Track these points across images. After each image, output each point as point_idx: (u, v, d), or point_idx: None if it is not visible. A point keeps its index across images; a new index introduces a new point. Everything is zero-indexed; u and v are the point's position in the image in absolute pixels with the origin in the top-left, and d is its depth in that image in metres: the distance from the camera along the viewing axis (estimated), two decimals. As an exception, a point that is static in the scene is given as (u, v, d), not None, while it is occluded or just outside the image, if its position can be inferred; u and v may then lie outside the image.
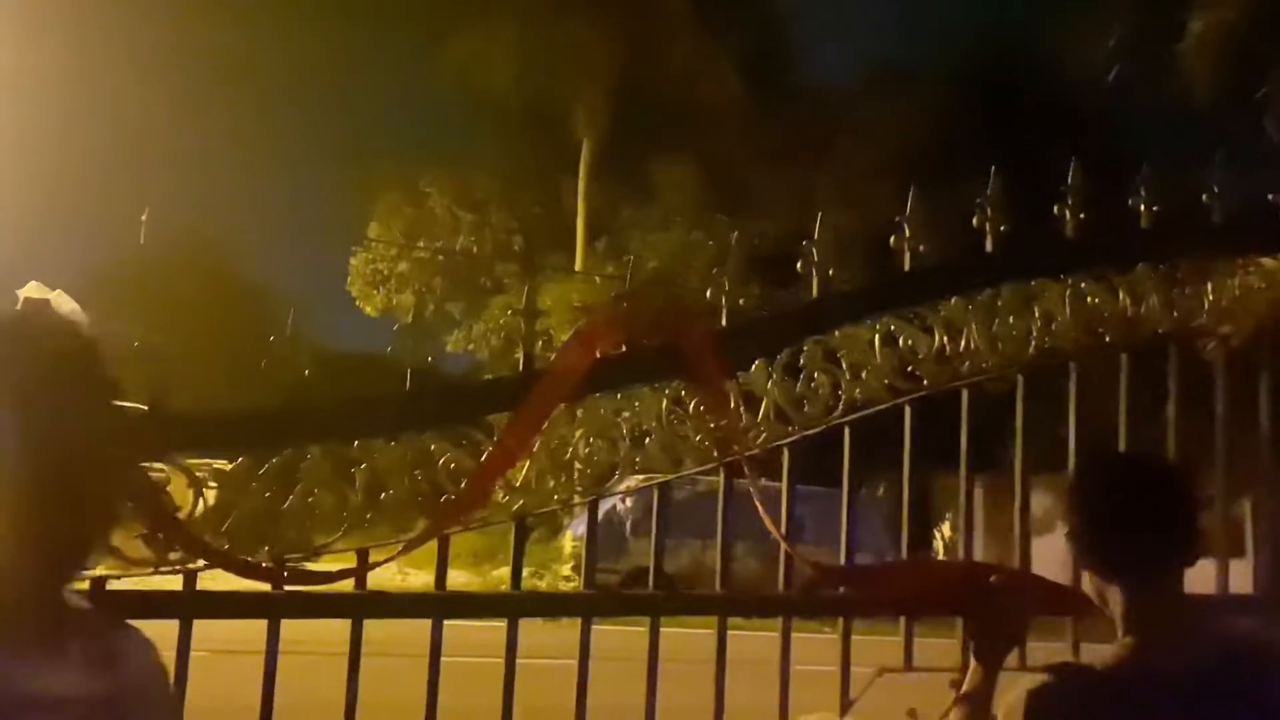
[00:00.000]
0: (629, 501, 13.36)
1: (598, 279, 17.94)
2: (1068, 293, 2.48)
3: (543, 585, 14.29)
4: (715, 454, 2.14)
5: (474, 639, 2.18)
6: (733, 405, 2.15)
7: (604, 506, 2.36)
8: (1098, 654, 1.73)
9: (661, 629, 2.17)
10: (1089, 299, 2.50)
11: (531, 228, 23.30)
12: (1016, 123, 17.70)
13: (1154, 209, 2.56)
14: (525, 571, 8.33)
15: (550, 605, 3.36)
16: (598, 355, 2.08)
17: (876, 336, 2.32)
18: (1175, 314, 2.54)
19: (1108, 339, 2.50)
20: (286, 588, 1.87)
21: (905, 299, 2.34)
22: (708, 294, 2.26)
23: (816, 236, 2.36)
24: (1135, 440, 2.52)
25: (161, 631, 1.50)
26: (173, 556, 1.76)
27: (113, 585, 1.69)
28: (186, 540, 1.74)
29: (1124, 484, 1.76)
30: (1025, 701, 1.63)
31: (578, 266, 20.35)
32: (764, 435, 2.17)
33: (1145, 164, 2.68)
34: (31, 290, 1.77)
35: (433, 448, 1.89)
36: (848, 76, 35.00)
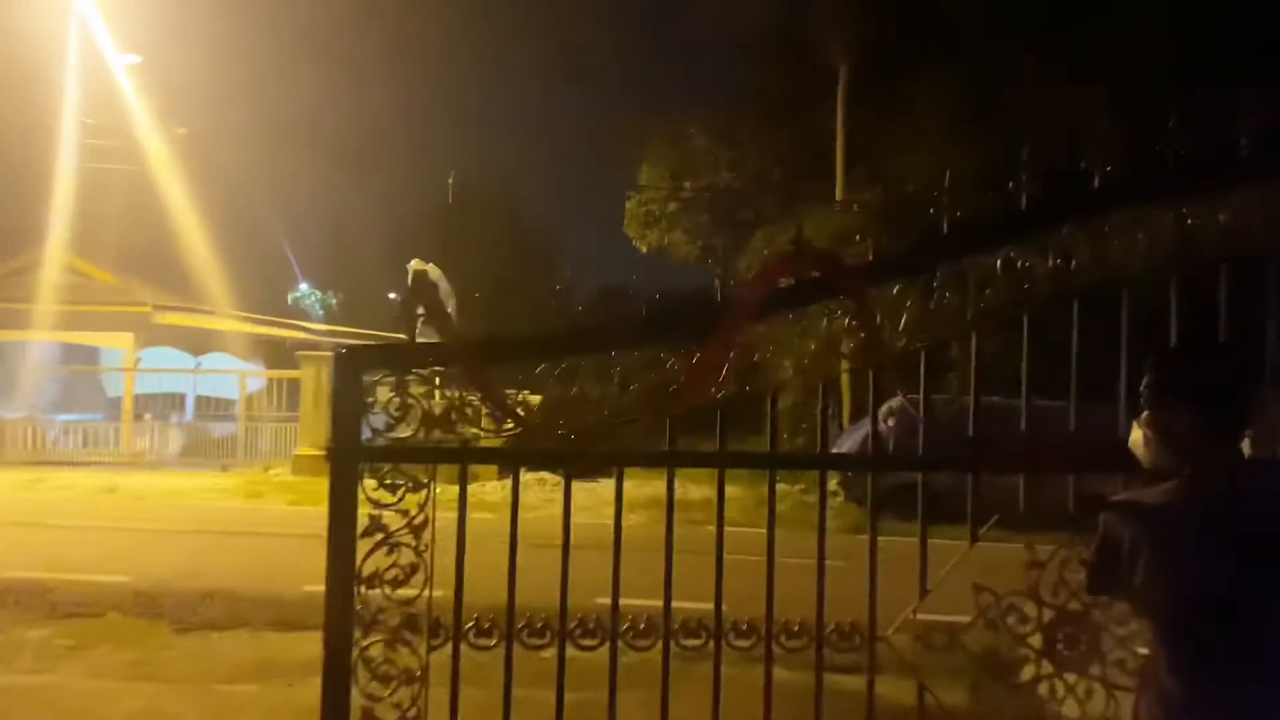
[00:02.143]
0: (890, 422, 13.90)
1: (855, 207, 18.27)
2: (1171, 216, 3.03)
3: (811, 500, 15.23)
4: (864, 358, 2.95)
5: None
6: (877, 320, 2.94)
7: (865, 430, 3.20)
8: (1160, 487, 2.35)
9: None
10: (1189, 220, 3.04)
11: (791, 159, 23.79)
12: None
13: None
14: (797, 489, 9.43)
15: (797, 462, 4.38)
16: (778, 285, 2.94)
17: (998, 261, 3.01)
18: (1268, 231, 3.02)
19: (1206, 254, 3.03)
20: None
21: (1022, 230, 3.01)
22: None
23: (946, 184, 3.07)
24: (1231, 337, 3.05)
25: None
26: (506, 428, 2.85)
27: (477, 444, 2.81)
28: (513, 417, 2.82)
29: (1212, 357, 2.36)
30: (1106, 511, 2.26)
31: (838, 195, 20.69)
32: (903, 342, 2.95)
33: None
34: (416, 264, 2.92)
35: (660, 355, 2.85)
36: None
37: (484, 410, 2.90)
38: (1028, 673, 3.01)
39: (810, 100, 22.69)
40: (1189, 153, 3.01)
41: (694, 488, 7.69)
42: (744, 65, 24.79)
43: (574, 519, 3.00)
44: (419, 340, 2.82)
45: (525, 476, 10.14)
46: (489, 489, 12.44)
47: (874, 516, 3.11)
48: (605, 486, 3.20)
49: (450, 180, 41.04)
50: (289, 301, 41.94)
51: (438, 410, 2.84)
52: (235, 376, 23.26)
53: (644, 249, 25.82)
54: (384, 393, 2.85)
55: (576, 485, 3.02)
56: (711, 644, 3.02)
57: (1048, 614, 2.99)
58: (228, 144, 33.62)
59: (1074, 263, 3.02)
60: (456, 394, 2.89)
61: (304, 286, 44.10)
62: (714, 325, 2.86)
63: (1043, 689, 3.00)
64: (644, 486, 9.13)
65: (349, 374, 2.83)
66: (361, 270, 39.19)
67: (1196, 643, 2.09)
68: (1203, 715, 2.08)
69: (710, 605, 3.03)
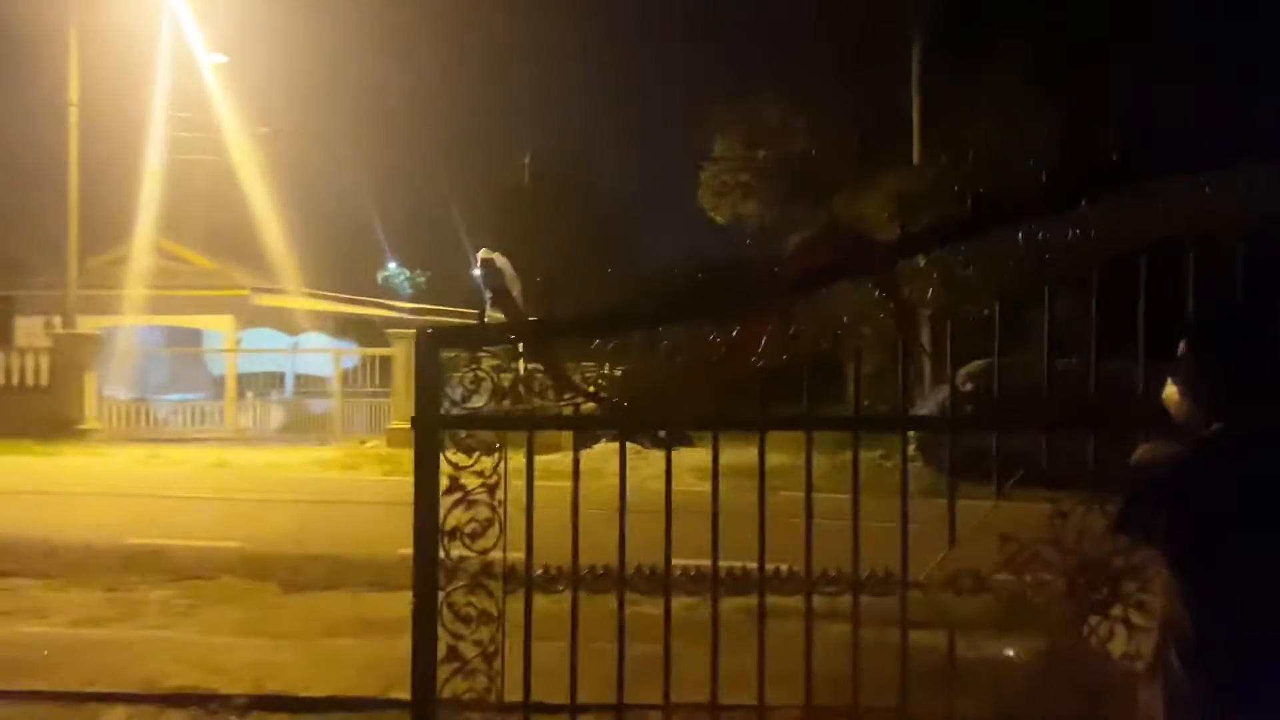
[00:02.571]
0: (969, 386, 13.95)
1: (927, 173, 18.16)
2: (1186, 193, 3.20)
3: (889, 465, 15.38)
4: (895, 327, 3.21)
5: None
6: (903, 292, 3.19)
7: (942, 393, 3.49)
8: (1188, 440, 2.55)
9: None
10: (1204, 189, 3.21)
11: (868, 123, 23.64)
12: None
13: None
14: (876, 454, 9.64)
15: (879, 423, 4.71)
16: (809, 267, 3.21)
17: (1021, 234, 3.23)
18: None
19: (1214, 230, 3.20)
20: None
21: (1039, 209, 3.22)
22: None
23: (971, 160, 3.29)
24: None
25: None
26: (566, 397, 3.20)
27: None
28: (571, 389, 3.17)
29: (1237, 319, 2.55)
30: (1140, 455, 2.47)
31: (915, 159, 20.56)
32: (928, 313, 3.21)
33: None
34: (484, 252, 3.25)
35: (703, 331, 3.16)
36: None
37: (548, 383, 3.25)
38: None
39: (888, 63, 22.50)
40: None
41: (772, 455, 7.95)
42: (820, 29, 24.58)
43: (650, 485, 3.32)
44: (487, 321, 3.18)
45: (606, 446, 10.52)
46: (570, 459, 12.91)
47: (904, 470, 3.38)
48: (683, 454, 3.54)
49: (526, 160, 41.69)
50: (379, 281, 43.14)
51: (506, 383, 3.19)
52: (330, 355, 24.25)
53: (719, 220, 25.97)
54: (460, 368, 3.22)
55: (652, 453, 3.36)
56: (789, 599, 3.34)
57: (1071, 560, 3.22)
58: (313, 137, 34.71)
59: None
60: (523, 368, 3.25)
61: (392, 266, 45.29)
62: (748, 302, 3.16)
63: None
64: (722, 454, 9.38)
65: (428, 351, 3.21)
66: (447, 249, 40.12)
67: (1217, 588, 2.29)
68: (1221, 658, 2.28)
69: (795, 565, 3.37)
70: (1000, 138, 16.37)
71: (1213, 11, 16.80)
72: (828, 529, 3.37)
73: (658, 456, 3.48)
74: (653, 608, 3.45)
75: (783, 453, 3.96)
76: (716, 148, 25.29)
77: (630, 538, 3.32)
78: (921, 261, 3.20)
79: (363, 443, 19.31)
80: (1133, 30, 17.56)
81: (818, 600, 3.43)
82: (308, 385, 26.31)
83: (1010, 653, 3.86)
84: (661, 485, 3.32)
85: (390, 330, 20.96)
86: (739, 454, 4.69)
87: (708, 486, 3.40)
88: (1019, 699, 3.44)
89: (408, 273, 45.41)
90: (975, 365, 6.69)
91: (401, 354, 18.99)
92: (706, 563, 3.38)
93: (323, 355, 25.16)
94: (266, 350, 25.91)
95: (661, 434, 3.62)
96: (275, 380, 26.07)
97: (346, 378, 23.45)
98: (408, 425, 3.27)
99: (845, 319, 3.24)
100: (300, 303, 25.88)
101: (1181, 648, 2.31)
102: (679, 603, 3.48)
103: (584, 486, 3.38)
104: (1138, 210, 3.25)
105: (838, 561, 3.38)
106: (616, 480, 3.33)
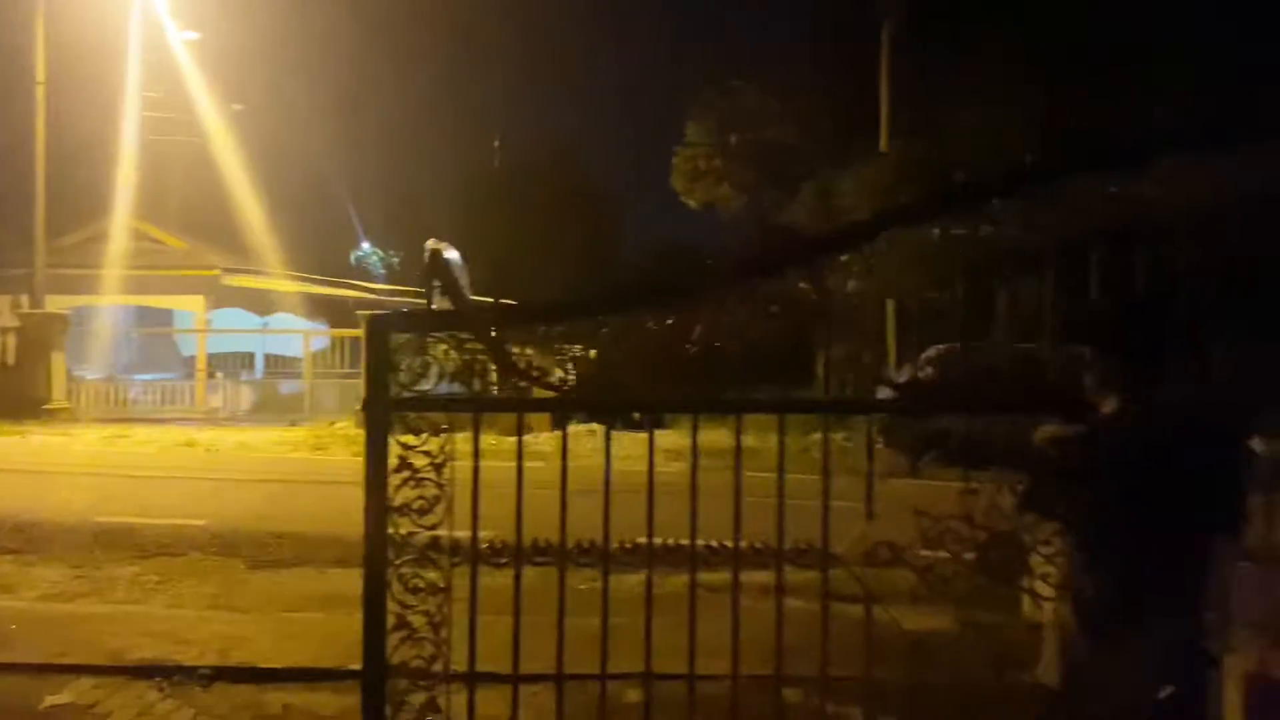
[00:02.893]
0: (929, 370, 14.39)
1: (892, 161, 18.40)
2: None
3: (851, 446, 15.68)
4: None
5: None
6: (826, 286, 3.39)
7: (904, 375, 3.68)
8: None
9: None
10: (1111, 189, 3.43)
11: (839, 110, 23.84)
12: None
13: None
14: (840, 436, 9.74)
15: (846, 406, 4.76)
16: (742, 259, 3.41)
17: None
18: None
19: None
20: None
21: (950, 208, 3.43)
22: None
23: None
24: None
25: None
26: (511, 381, 3.39)
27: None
28: (515, 373, 3.36)
29: (1131, 311, 2.77)
30: (1044, 435, 2.69)
31: (882, 147, 20.80)
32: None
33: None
34: (432, 243, 3.42)
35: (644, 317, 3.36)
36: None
37: (493, 368, 3.44)
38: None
39: (862, 50, 22.68)
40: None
41: (725, 437, 8.18)
42: (791, 15, 24.76)
43: (618, 465, 3.50)
44: (435, 308, 3.36)
45: (577, 428, 10.64)
46: (542, 439, 13.11)
47: (826, 444, 3.59)
48: (656, 436, 3.74)
49: (496, 144, 41.70)
50: (351, 262, 43.06)
51: (453, 367, 3.38)
52: (300, 336, 24.27)
53: (692, 204, 26.16)
54: (409, 353, 3.40)
55: (623, 435, 3.53)
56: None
57: (981, 535, 3.45)
58: (287, 115, 34.58)
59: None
60: (469, 353, 3.43)
61: (365, 246, 45.20)
62: (685, 295, 3.35)
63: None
64: (686, 437, 9.58)
65: (378, 336, 3.38)
66: (421, 230, 40.07)
67: (1110, 555, 2.54)
68: (1111, 617, 2.52)
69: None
70: (958, 131, 16.67)
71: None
72: (768, 506, 3.56)
73: (631, 438, 3.64)
74: (613, 583, 3.63)
75: (753, 435, 4.13)
76: (689, 132, 25.45)
77: (587, 517, 3.52)
78: (844, 257, 3.41)
79: (332, 424, 19.41)
80: (1077, 33, 17.91)
81: (763, 576, 3.64)
82: (278, 366, 26.33)
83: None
84: (631, 466, 3.50)
85: (361, 311, 21.02)
86: (706, 436, 4.88)
87: (671, 467, 3.58)
88: (935, 666, 3.67)
89: (381, 253, 45.35)
90: (933, 351, 6.96)
91: (372, 335, 19.04)
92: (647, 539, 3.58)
93: (294, 336, 25.17)
94: (237, 331, 25.90)
95: (637, 417, 3.81)
96: (246, 360, 26.07)
97: (317, 359, 23.51)
98: (375, 406, 3.43)
99: (774, 309, 3.44)
100: (272, 283, 25.87)
101: (1078, 609, 2.56)
102: (635, 579, 3.68)
103: (549, 467, 3.55)
104: (1053, 208, 3.47)
105: (789, 536, 3.58)
106: (589, 462, 3.51)
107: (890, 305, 16.29)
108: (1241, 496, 2.53)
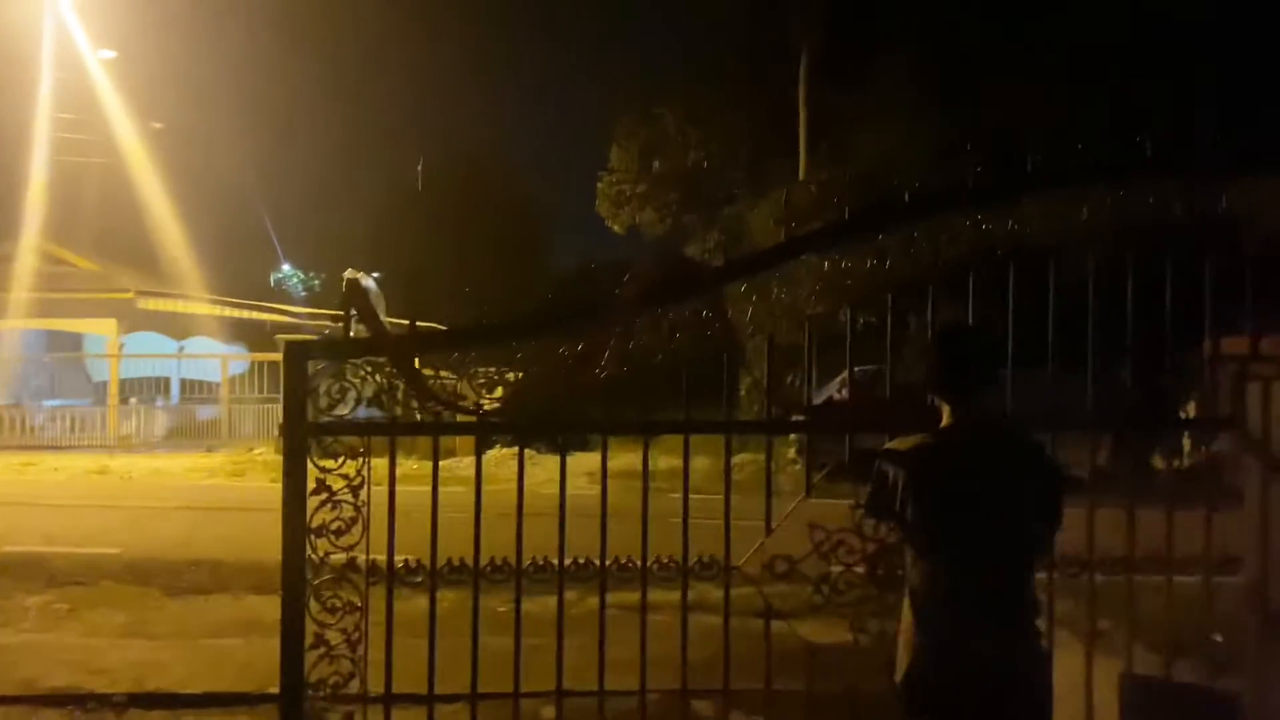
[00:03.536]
0: (844, 391, 14.75)
1: (813, 188, 18.89)
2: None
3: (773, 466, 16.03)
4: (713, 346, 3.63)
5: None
6: (727, 315, 3.62)
7: (824, 395, 3.88)
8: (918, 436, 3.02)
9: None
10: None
11: (758, 137, 24.36)
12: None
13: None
14: (759, 457, 9.70)
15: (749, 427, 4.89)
16: (647, 288, 3.61)
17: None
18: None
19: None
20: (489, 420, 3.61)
21: (833, 241, 3.68)
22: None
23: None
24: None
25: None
26: (427, 405, 3.53)
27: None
28: (430, 398, 3.50)
29: (951, 342, 3.05)
30: (886, 447, 2.94)
31: (800, 174, 21.31)
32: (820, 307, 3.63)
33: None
34: (350, 273, 3.57)
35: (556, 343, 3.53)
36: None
37: (410, 392, 3.58)
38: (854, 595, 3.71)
39: (776, 78, 23.24)
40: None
41: (663, 458, 8.38)
42: (710, 44, 25.28)
43: (540, 488, 3.63)
44: (352, 335, 3.49)
45: (503, 452, 10.68)
46: (464, 464, 13.16)
47: (728, 464, 3.80)
48: (578, 459, 3.90)
49: (419, 167, 41.61)
50: (271, 284, 42.38)
51: (370, 392, 3.51)
52: (218, 360, 23.84)
53: (617, 229, 26.40)
54: (326, 378, 3.52)
55: (547, 458, 3.70)
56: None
57: (870, 546, 3.69)
58: (207, 134, 34.06)
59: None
60: (386, 378, 3.56)
61: (286, 268, 44.54)
62: (590, 320, 3.54)
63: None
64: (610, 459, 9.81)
65: (296, 361, 3.49)
66: (343, 251, 39.71)
67: (937, 554, 2.79)
68: (939, 609, 2.77)
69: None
70: (866, 156, 17.23)
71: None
72: (706, 528, 3.75)
73: (554, 461, 3.79)
74: (530, 605, 3.78)
75: (673, 456, 4.29)
76: (613, 158, 25.71)
77: (504, 539, 3.66)
78: (743, 287, 3.63)
79: (250, 450, 19.11)
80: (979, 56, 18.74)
81: (674, 595, 3.82)
82: (195, 391, 25.79)
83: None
84: (552, 489, 3.67)
85: (280, 335, 20.76)
86: (628, 458, 5.05)
87: (592, 490, 3.74)
88: (830, 675, 3.88)
89: (301, 275, 44.72)
90: (845, 374, 7.25)
91: (292, 359, 18.84)
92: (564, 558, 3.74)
93: (211, 360, 24.70)
94: (151, 355, 25.29)
95: (559, 440, 3.95)
96: (161, 386, 25.45)
97: (235, 383, 23.11)
98: (294, 432, 3.53)
99: (678, 335, 3.65)
100: (189, 306, 25.36)
101: (913, 602, 2.81)
102: (553, 602, 3.82)
103: (469, 491, 3.69)
104: (931, 240, 3.75)
105: (696, 553, 3.77)
106: (502, 486, 3.66)
107: (807, 330, 16.65)
108: (1050, 505, 2.84)
